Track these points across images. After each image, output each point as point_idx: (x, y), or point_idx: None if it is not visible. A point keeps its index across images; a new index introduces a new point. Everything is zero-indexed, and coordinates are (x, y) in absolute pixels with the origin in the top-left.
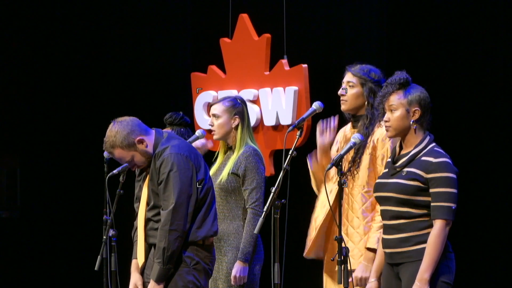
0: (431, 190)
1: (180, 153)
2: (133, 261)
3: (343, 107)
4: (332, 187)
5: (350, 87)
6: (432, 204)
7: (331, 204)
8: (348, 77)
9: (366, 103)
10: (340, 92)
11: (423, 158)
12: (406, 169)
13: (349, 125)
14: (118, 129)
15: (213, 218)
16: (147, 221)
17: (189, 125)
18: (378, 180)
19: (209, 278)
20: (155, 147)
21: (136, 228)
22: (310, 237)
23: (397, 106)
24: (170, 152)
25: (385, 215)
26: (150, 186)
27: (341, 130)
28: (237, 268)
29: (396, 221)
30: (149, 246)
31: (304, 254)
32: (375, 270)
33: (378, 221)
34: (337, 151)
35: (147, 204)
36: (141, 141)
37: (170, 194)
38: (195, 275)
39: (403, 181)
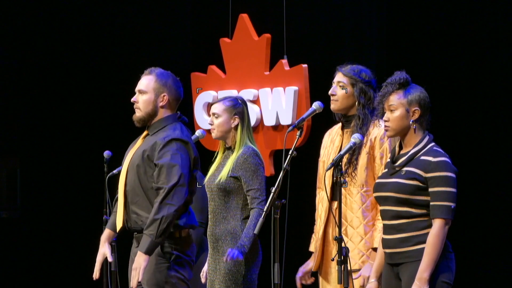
0: (430, 190)
1: (190, 143)
2: (105, 231)
3: (333, 106)
4: (322, 194)
5: (341, 87)
6: (431, 203)
7: (324, 211)
8: (339, 77)
9: (356, 103)
10: (330, 92)
11: (422, 157)
12: (405, 169)
13: (336, 127)
14: (172, 74)
15: (188, 213)
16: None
17: (187, 124)
18: (377, 180)
19: (193, 268)
20: (162, 120)
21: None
22: (317, 253)
23: (397, 106)
24: (180, 137)
25: (385, 215)
26: (136, 154)
27: (327, 134)
28: (233, 250)
29: (396, 221)
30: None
31: (314, 269)
32: (375, 270)
33: (382, 220)
34: (325, 155)
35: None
36: (166, 99)
37: (174, 171)
38: (176, 268)
39: (402, 180)
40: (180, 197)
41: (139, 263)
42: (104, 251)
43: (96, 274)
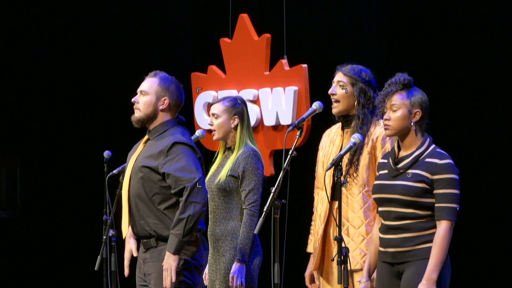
0: (436, 191)
1: (194, 147)
2: (130, 228)
3: (335, 110)
4: (321, 194)
5: (340, 87)
6: (436, 205)
7: (324, 211)
8: (339, 76)
9: (356, 103)
10: (330, 91)
11: (427, 159)
12: (410, 171)
13: (335, 127)
14: (175, 80)
15: None
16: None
17: (184, 124)
18: (377, 182)
19: (202, 273)
20: (163, 124)
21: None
22: (316, 253)
23: (400, 105)
24: (183, 141)
25: (387, 216)
26: (138, 161)
27: (325, 135)
28: (235, 268)
29: (400, 222)
30: (138, 239)
31: (314, 269)
32: (367, 270)
33: (383, 220)
34: (325, 156)
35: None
36: (167, 103)
37: (192, 171)
38: (185, 274)
39: (410, 183)
40: (203, 194)
41: (169, 264)
42: (130, 247)
43: (126, 271)
